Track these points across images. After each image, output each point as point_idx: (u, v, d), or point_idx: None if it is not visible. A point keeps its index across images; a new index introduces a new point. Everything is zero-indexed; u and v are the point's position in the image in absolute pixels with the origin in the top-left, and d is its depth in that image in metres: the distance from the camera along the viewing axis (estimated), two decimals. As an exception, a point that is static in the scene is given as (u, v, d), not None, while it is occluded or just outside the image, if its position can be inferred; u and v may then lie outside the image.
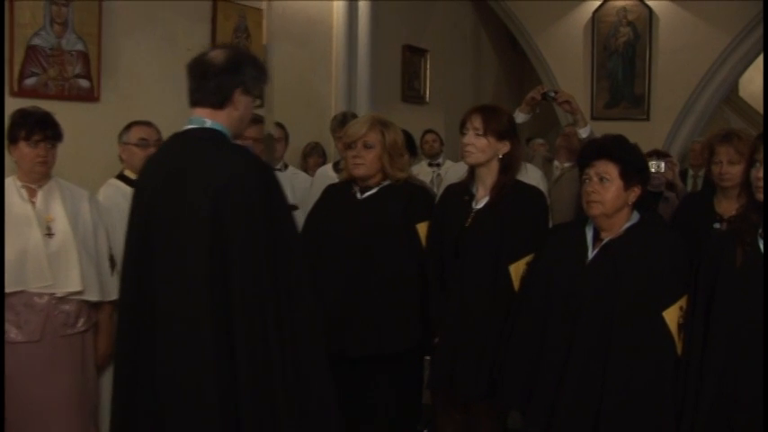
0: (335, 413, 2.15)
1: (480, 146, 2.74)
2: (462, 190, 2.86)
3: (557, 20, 7.75)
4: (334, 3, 6.26)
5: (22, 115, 3.00)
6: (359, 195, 3.01)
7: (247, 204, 2.09)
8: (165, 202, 2.17)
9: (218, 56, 2.24)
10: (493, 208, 2.75)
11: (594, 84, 7.58)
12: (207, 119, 2.23)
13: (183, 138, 2.26)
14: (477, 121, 2.75)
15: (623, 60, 7.48)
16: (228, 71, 2.22)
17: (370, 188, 3.00)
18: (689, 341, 2.33)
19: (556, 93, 3.97)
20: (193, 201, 2.11)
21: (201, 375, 2.05)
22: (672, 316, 2.35)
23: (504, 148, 2.77)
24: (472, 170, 2.84)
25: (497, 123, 2.75)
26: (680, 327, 2.36)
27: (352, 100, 6.42)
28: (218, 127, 2.23)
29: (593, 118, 7.34)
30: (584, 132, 3.95)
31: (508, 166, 2.77)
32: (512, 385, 2.56)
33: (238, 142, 3.66)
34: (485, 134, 2.74)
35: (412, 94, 7.55)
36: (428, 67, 7.67)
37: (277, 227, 2.13)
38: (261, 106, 2.45)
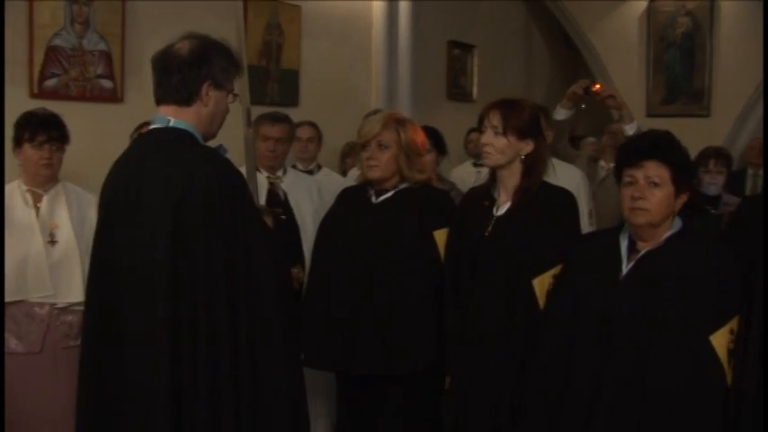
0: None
1: (500, 146, 2.46)
2: (483, 194, 2.58)
3: (610, 12, 7.37)
4: (374, 0, 6.06)
5: (26, 117, 2.91)
6: (374, 199, 2.80)
7: (205, 216, 1.94)
8: (124, 217, 2.02)
9: (183, 47, 2.05)
10: (515, 214, 2.47)
11: (650, 78, 7.16)
12: (171, 117, 2.05)
13: (145, 140, 2.09)
14: (495, 119, 2.46)
15: (681, 53, 7.04)
16: (194, 64, 2.03)
17: (386, 191, 2.79)
18: (741, 369, 2.02)
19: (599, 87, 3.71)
20: (151, 217, 1.97)
21: (157, 397, 1.92)
22: (720, 340, 2.03)
23: (527, 147, 2.48)
24: (494, 172, 2.57)
25: (518, 120, 2.45)
26: (730, 353, 2.05)
27: (392, 98, 6.20)
28: (182, 126, 2.05)
29: (649, 115, 6.94)
30: (630, 129, 3.66)
31: (532, 167, 2.48)
32: (535, 418, 2.25)
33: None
34: (504, 133, 2.45)
35: (458, 91, 7.29)
36: (475, 63, 7.41)
37: (242, 236, 1.97)
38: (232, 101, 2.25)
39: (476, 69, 7.41)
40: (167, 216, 1.94)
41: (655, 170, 2.16)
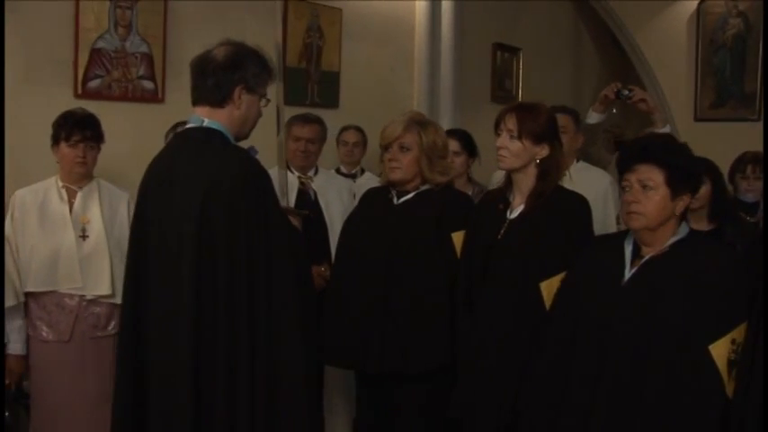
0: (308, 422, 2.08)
1: (515, 150, 2.46)
2: (498, 197, 2.59)
3: (658, 13, 7.21)
4: (417, 2, 6.07)
5: (64, 116, 3.04)
6: (395, 200, 2.83)
7: (228, 215, 2.02)
8: (156, 213, 2.13)
9: (219, 52, 2.17)
10: (527, 217, 2.47)
11: (699, 82, 6.98)
12: (205, 118, 2.17)
13: (180, 139, 2.21)
14: (510, 122, 2.47)
15: (732, 55, 6.82)
16: (228, 68, 2.14)
17: (407, 193, 2.82)
18: (743, 380, 1.97)
19: (630, 90, 3.66)
20: (178, 214, 2.06)
21: (178, 382, 2.01)
22: (720, 351, 2.00)
23: (543, 152, 2.48)
24: (509, 175, 2.57)
25: (534, 125, 2.46)
26: (731, 363, 2.01)
27: (434, 100, 6.21)
28: (215, 126, 2.16)
29: (697, 119, 6.78)
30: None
31: (547, 171, 2.48)
32: (534, 422, 2.26)
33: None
34: (519, 137, 2.45)
35: (503, 94, 7.23)
36: (521, 65, 7.35)
37: (264, 236, 2.04)
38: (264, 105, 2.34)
39: (521, 72, 7.36)
40: (192, 214, 2.03)
41: (647, 173, 2.15)
